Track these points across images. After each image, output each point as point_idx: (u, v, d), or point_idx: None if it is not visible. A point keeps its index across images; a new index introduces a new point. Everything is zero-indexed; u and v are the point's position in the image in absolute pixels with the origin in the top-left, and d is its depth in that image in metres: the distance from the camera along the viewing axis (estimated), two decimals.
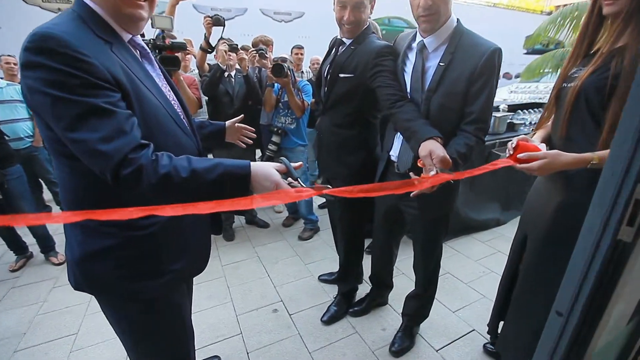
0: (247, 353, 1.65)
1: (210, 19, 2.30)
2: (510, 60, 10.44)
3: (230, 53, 2.45)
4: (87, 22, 0.72)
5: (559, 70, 1.30)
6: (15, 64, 3.25)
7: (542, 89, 3.63)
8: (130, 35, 0.81)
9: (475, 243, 2.68)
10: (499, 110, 3.27)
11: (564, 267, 1.22)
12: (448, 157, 1.07)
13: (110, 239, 0.81)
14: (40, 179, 3.32)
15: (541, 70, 3.81)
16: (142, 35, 2.12)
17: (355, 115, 1.54)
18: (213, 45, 2.45)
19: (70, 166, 0.76)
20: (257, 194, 0.76)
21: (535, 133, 1.33)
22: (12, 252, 2.48)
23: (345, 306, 1.90)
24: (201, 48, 2.45)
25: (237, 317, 1.89)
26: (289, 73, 2.33)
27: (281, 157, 0.82)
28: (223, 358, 1.62)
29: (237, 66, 2.55)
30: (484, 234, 2.81)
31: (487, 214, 2.85)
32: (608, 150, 0.93)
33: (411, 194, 1.17)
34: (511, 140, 1.16)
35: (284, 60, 2.44)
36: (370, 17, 1.49)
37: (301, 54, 3.34)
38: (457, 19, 1.21)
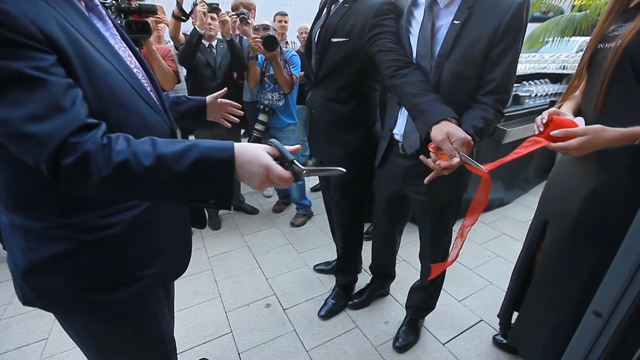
0: (239, 354, 1.50)
1: None
2: None
3: (210, 16, 2.15)
4: None
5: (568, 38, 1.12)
6: None
7: (548, 58, 3.44)
8: None
9: (479, 225, 2.55)
10: None
11: (595, 261, 1.07)
12: (470, 138, 0.90)
13: (61, 244, 0.64)
14: None
15: (544, 39, 3.62)
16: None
17: (351, 87, 1.34)
18: (187, 13, 2.14)
19: (2, 158, 0.57)
20: (244, 181, 0.59)
21: (562, 105, 1.14)
22: None
23: (344, 298, 1.76)
24: (174, 15, 2.14)
25: (227, 314, 1.73)
26: (279, 44, 2.07)
27: (271, 139, 0.62)
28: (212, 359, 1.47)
29: (219, 35, 2.26)
30: (487, 215, 2.68)
31: (491, 193, 2.72)
32: None
33: (425, 180, 0.99)
34: (542, 114, 0.99)
35: (267, 28, 2.17)
36: None
37: (285, 22, 3.03)
38: None
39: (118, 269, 0.69)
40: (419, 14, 1.07)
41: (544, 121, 0.96)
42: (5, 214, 0.65)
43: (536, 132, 0.99)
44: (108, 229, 0.66)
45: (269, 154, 0.58)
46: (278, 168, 0.57)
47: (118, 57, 0.64)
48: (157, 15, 1.93)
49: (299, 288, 1.91)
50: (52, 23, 0.52)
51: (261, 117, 2.37)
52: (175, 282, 1.01)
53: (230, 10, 2.55)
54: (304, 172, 0.58)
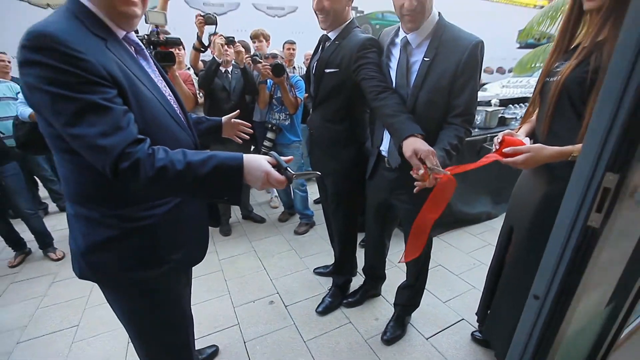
0: (244, 342, 1.71)
1: (202, 17, 2.31)
2: (503, 55, 10.46)
3: (226, 47, 2.46)
4: (82, 19, 0.74)
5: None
6: (9, 62, 3.23)
7: (534, 84, 3.67)
8: (125, 32, 0.84)
9: (467, 236, 2.75)
10: (490, 105, 3.32)
11: None
12: (433, 150, 1.12)
13: (112, 230, 0.84)
14: (35, 176, 3.34)
15: (533, 65, 3.86)
16: (136, 32, 2.14)
17: (344, 110, 1.57)
18: (206, 45, 2.46)
19: (72, 161, 0.79)
20: (250, 184, 0.80)
21: (520, 127, 1.38)
22: (10, 248, 2.50)
23: (340, 297, 1.96)
24: (194, 47, 2.46)
25: (235, 309, 1.95)
26: (286, 71, 2.37)
27: (270, 152, 0.86)
28: (221, 347, 1.67)
29: (233, 62, 2.56)
30: (475, 227, 2.88)
31: (479, 207, 2.92)
32: None
33: (415, 190, 1.14)
34: (497, 135, 1.22)
35: (275, 56, 2.47)
36: (355, 13, 1.53)
37: (293, 49, 3.36)
38: (439, 12, 1.24)
39: (152, 252, 0.90)
40: (396, 52, 1.33)
41: (499, 140, 1.19)
42: (71, 206, 0.87)
43: (494, 150, 1.22)
44: (146, 220, 0.86)
45: (269, 162, 0.81)
46: (275, 173, 0.80)
47: (157, 88, 0.88)
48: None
49: (299, 288, 2.12)
50: (114, 66, 0.74)
51: (269, 134, 2.64)
52: (191, 280, 1.24)
53: (249, 39, 2.90)
54: (294, 176, 0.82)
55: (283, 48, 3.41)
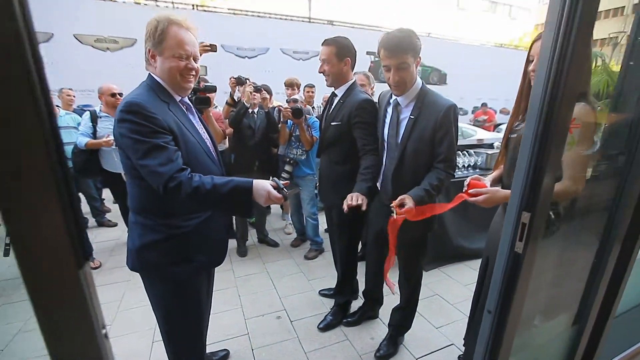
0: (252, 350, 1.93)
1: (234, 79, 2.77)
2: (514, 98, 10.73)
3: (254, 93, 2.90)
4: (155, 90, 1.13)
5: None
6: (74, 96, 3.85)
7: None
8: (180, 97, 1.22)
9: (466, 269, 2.89)
10: (492, 148, 3.57)
11: None
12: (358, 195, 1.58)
13: (160, 234, 1.17)
14: (81, 193, 3.81)
15: None
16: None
17: (347, 153, 1.87)
18: (236, 101, 2.93)
19: (139, 185, 1.14)
20: (257, 200, 1.11)
21: (493, 172, 1.63)
22: None
23: (340, 316, 2.16)
24: (227, 103, 2.93)
25: (246, 321, 2.18)
26: (304, 113, 2.76)
27: (273, 177, 1.19)
28: (232, 352, 1.90)
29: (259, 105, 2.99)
30: (476, 261, 3.01)
31: (479, 243, 3.07)
32: None
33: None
34: (466, 179, 1.48)
35: (296, 101, 2.88)
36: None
37: (312, 92, 3.82)
38: (422, 82, 1.57)
39: (185, 252, 1.22)
40: (390, 110, 1.66)
41: (467, 183, 1.45)
42: (134, 215, 1.21)
43: (463, 191, 1.47)
44: (184, 228, 1.18)
45: (271, 185, 1.13)
46: (274, 192, 1.11)
47: (198, 133, 1.24)
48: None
49: (304, 306, 2.34)
50: (171, 121, 1.11)
51: (287, 167, 2.98)
52: (211, 300, 1.55)
53: (284, 84, 3.38)
54: (288, 193, 1.14)
55: (304, 90, 3.87)
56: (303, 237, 3.43)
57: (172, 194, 1.04)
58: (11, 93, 0.40)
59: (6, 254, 2.25)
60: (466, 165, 3.13)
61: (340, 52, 1.74)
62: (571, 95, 0.83)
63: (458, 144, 3.68)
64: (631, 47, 1.27)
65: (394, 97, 1.61)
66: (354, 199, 1.56)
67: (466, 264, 2.99)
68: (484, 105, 9.02)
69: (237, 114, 2.80)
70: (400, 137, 1.58)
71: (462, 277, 2.75)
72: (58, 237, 0.45)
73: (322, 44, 1.77)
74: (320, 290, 2.50)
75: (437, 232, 2.89)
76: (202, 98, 2.18)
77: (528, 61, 1.36)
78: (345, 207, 1.54)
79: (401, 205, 1.46)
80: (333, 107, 1.89)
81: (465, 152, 3.24)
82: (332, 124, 1.85)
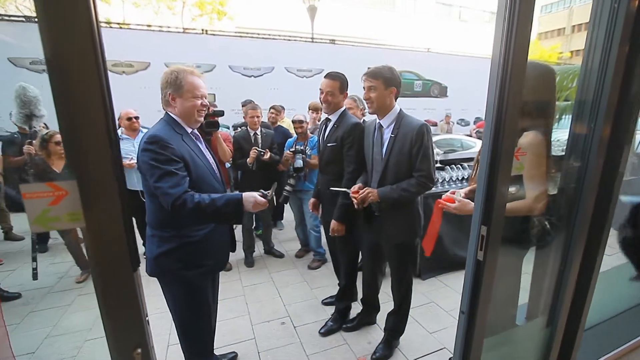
0: (258, 353, 2.10)
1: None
2: None
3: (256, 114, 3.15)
4: (172, 125, 1.39)
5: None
6: None
7: None
8: (192, 129, 1.48)
9: (462, 277, 3.02)
10: None
11: None
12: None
13: (174, 244, 1.40)
14: None
15: None
16: None
17: (342, 172, 2.09)
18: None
19: (156, 203, 1.37)
20: (247, 207, 1.36)
21: (469, 187, 1.81)
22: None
23: (340, 322, 2.32)
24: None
25: (252, 326, 2.36)
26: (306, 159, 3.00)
27: (261, 189, 1.44)
28: (240, 355, 2.07)
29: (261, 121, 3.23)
30: None
31: None
32: None
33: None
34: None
35: (301, 121, 3.12)
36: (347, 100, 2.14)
37: (317, 113, 4.05)
38: (400, 108, 1.81)
39: (195, 258, 1.45)
40: (376, 132, 1.87)
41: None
42: (151, 229, 1.44)
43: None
44: (194, 237, 1.43)
45: (259, 194, 1.38)
46: (259, 198, 1.37)
47: (205, 158, 1.48)
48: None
49: (307, 313, 2.50)
50: (183, 149, 1.35)
51: (291, 181, 3.19)
52: (217, 302, 1.76)
53: (308, 107, 3.64)
54: (269, 195, 1.40)
55: (308, 110, 4.12)
56: (307, 247, 3.61)
57: (177, 211, 1.28)
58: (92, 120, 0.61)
59: (35, 277, 2.47)
60: (460, 178, 3.30)
61: (342, 87, 2.04)
62: (511, 132, 1.02)
63: (453, 157, 3.85)
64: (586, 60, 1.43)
65: (377, 121, 1.84)
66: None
67: (462, 272, 3.11)
68: None
69: (243, 166, 3.08)
70: (384, 153, 1.81)
71: (458, 285, 2.88)
72: (121, 247, 0.66)
73: (328, 77, 2.04)
74: (323, 300, 2.67)
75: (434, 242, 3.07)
76: (211, 122, 2.43)
77: None
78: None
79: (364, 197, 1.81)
80: (329, 130, 2.12)
81: (459, 165, 3.41)
82: (328, 145, 2.09)
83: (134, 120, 3.19)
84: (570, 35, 30.91)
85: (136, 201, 3.30)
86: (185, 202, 1.26)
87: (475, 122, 9.96)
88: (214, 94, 2.58)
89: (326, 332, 2.26)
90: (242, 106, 4.36)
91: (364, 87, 1.78)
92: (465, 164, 3.46)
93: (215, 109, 2.64)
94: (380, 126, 1.83)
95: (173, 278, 1.44)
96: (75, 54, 0.55)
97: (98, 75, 0.58)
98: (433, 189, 3.04)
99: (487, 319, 1.28)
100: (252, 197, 1.38)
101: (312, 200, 2.41)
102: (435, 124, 9.59)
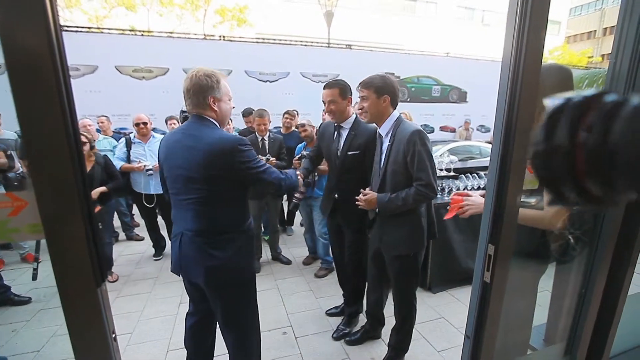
0: None
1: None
2: None
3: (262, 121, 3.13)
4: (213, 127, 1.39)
5: None
6: (110, 123, 4.30)
7: None
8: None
9: None
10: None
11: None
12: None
13: (239, 242, 1.45)
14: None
15: None
16: (186, 112, 2.91)
17: (362, 181, 2.02)
18: None
19: (222, 208, 1.41)
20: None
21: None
22: None
23: (352, 326, 2.32)
24: None
25: None
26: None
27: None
28: None
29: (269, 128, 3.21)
30: None
31: None
32: None
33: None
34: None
35: (303, 125, 3.08)
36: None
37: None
38: (399, 115, 1.75)
39: (251, 253, 1.52)
40: (377, 140, 1.84)
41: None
42: (206, 237, 1.39)
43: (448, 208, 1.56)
44: (249, 231, 1.50)
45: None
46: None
47: None
48: None
49: (310, 323, 2.43)
50: None
51: (301, 188, 3.14)
52: None
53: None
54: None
55: (323, 113, 4.08)
56: (315, 255, 3.54)
57: (280, 187, 1.50)
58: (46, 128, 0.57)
59: (34, 277, 2.54)
60: (475, 187, 3.15)
61: (343, 93, 2.00)
62: (522, 141, 0.92)
63: (471, 164, 3.68)
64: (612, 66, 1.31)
65: (378, 130, 1.82)
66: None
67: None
68: None
69: None
70: (382, 162, 1.76)
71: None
72: (84, 263, 0.62)
73: (326, 88, 2.02)
74: (327, 311, 2.59)
75: (445, 254, 2.93)
76: None
77: None
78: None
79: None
80: (345, 138, 2.09)
81: (475, 174, 3.26)
82: (349, 153, 2.06)
83: (142, 126, 3.24)
84: (602, 39, 29.67)
85: (157, 202, 3.36)
86: (284, 178, 1.51)
87: None
88: None
89: (338, 337, 2.24)
90: (243, 116, 4.37)
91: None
92: (482, 173, 3.31)
93: None
94: (380, 135, 1.79)
95: (239, 279, 1.46)
96: (30, 57, 0.52)
97: (56, 80, 0.54)
98: (444, 199, 2.97)
99: (496, 344, 1.17)
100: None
101: None
102: (453, 130, 9.32)
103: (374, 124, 2.03)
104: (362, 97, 1.72)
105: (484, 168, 3.64)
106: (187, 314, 1.70)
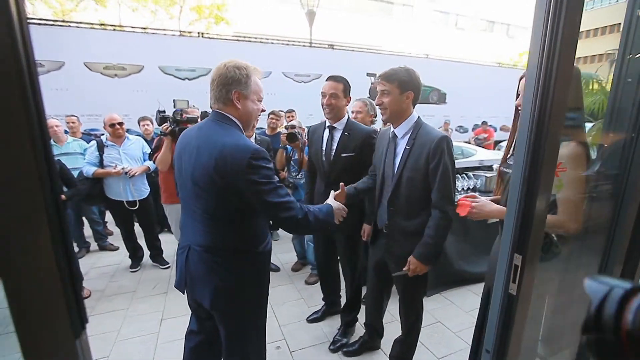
0: None
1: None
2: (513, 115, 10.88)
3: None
4: (239, 130, 1.22)
5: None
6: (80, 123, 3.97)
7: None
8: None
9: (469, 294, 2.85)
10: (492, 170, 3.58)
11: None
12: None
13: (253, 265, 1.32)
14: (84, 217, 3.85)
15: None
16: (164, 112, 2.71)
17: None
18: None
19: (234, 224, 1.23)
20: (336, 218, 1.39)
21: (493, 198, 1.63)
22: None
23: (349, 335, 2.22)
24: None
25: None
26: (299, 137, 2.80)
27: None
28: None
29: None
30: (478, 286, 2.97)
31: (481, 267, 3.04)
32: None
33: None
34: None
35: (293, 127, 2.95)
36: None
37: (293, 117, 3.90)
38: (418, 116, 1.62)
39: (264, 273, 1.37)
40: (389, 143, 1.69)
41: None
42: (218, 255, 1.22)
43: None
44: (265, 253, 1.34)
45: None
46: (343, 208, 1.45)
47: None
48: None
49: (304, 335, 2.30)
50: None
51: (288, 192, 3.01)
52: None
53: None
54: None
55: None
56: (304, 260, 3.41)
57: (298, 225, 1.21)
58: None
59: None
60: (465, 188, 3.14)
61: (346, 90, 1.91)
62: (553, 145, 0.85)
63: (457, 165, 3.68)
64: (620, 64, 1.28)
65: (392, 128, 1.66)
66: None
67: (469, 288, 2.95)
68: (484, 123, 9.11)
69: None
70: (397, 167, 1.61)
71: (465, 303, 2.71)
72: (57, 308, 0.47)
73: (331, 80, 1.90)
74: (307, 318, 2.49)
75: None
76: (184, 129, 2.25)
77: (518, 95, 1.40)
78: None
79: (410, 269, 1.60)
80: (338, 139, 1.97)
81: (464, 174, 3.26)
82: (343, 155, 1.94)
83: (118, 126, 2.99)
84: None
85: (122, 212, 3.11)
86: (306, 215, 1.21)
87: (473, 129, 9.88)
88: (187, 100, 2.47)
89: (336, 348, 2.13)
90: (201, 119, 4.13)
91: (376, 91, 1.59)
92: (470, 174, 3.32)
93: (189, 115, 2.47)
94: (395, 136, 1.64)
95: (250, 305, 1.32)
96: None
97: (20, 76, 0.40)
98: None
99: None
100: (339, 209, 1.39)
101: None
102: None
103: (367, 127, 1.95)
104: (383, 91, 1.53)
105: (472, 169, 3.66)
106: (187, 332, 1.50)
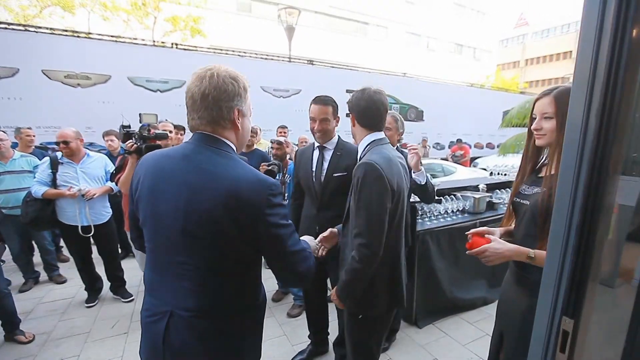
0: None
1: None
2: (492, 132, 11.35)
3: None
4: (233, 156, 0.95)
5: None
6: (34, 136, 3.55)
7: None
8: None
9: (463, 324, 2.69)
10: (478, 190, 3.52)
11: None
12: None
13: (256, 320, 1.09)
14: (35, 243, 3.38)
15: (515, 150, 4.24)
16: (129, 127, 2.41)
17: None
18: None
19: (236, 279, 0.96)
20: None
21: (502, 228, 1.48)
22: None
23: None
24: None
25: None
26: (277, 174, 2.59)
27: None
28: None
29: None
30: (471, 314, 2.83)
31: (474, 292, 2.91)
32: (544, 252, 1.02)
33: None
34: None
35: (280, 143, 2.77)
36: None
37: (306, 141, 3.73)
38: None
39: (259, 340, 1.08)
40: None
41: (469, 238, 1.29)
42: (217, 318, 0.95)
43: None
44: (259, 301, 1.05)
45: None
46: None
47: None
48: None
49: None
50: None
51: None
52: None
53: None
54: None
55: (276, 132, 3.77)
56: (285, 289, 3.14)
57: (310, 274, 1.01)
58: None
59: None
60: (454, 210, 3.03)
61: (335, 112, 1.84)
62: (613, 175, 0.69)
63: (443, 186, 3.55)
64: None
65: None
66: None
67: (463, 317, 2.78)
68: (459, 141, 9.35)
69: None
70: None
71: (460, 335, 2.53)
72: None
73: (319, 103, 1.79)
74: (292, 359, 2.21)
75: (430, 284, 2.72)
76: (152, 146, 2.01)
77: (531, 119, 1.28)
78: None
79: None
80: (330, 159, 1.86)
81: (452, 195, 3.16)
82: (335, 175, 1.82)
83: (63, 145, 2.63)
84: (524, 68, 33.98)
85: (77, 239, 2.73)
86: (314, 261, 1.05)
87: (449, 147, 10.12)
88: (156, 115, 2.23)
89: None
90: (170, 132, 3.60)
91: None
92: (458, 194, 3.22)
93: (157, 131, 2.21)
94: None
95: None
96: None
97: None
98: (434, 222, 2.78)
99: None
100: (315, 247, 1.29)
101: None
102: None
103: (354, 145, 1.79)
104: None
105: (459, 189, 3.58)
106: None
